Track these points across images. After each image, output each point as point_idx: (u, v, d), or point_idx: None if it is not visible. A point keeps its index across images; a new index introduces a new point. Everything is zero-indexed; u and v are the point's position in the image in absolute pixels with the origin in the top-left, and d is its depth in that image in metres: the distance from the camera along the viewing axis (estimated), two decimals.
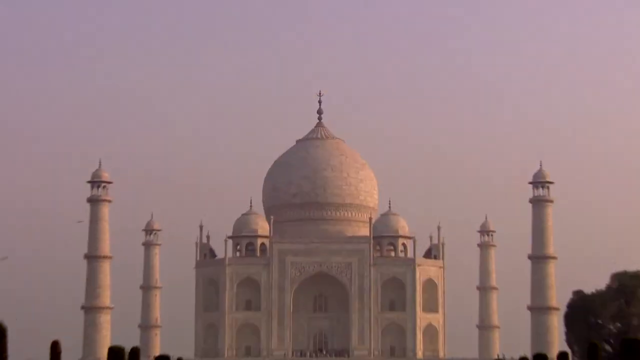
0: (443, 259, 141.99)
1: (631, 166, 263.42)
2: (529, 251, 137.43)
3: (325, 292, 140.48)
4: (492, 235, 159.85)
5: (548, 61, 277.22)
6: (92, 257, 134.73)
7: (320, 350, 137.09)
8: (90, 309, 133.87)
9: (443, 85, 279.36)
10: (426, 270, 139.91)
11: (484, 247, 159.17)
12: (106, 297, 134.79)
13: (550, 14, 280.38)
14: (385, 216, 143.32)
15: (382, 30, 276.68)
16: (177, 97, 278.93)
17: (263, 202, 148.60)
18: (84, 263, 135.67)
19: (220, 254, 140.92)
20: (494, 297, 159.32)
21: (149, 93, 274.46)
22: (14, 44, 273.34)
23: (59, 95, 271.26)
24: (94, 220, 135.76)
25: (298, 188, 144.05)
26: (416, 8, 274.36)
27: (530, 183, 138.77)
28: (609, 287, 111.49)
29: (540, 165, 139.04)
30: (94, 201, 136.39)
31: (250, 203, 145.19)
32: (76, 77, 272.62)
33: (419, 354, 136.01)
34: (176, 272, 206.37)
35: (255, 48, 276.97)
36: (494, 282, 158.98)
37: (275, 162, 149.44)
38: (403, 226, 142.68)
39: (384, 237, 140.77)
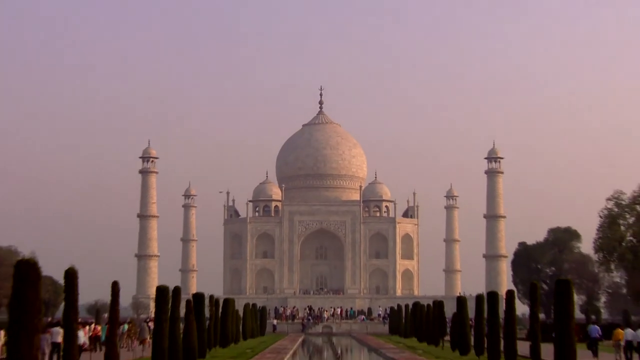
0: (417, 218, 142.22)
1: (567, 145, 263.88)
2: (484, 212, 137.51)
3: (325, 244, 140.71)
4: (455, 199, 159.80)
5: (503, 55, 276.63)
6: (143, 216, 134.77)
7: (321, 289, 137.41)
8: (142, 257, 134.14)
9: (419, 82, 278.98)
10: (404, 226, 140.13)
11: (449, 208, 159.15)
12: (154, 248, 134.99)
13: (506, 4, 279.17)
14: (372, 185, 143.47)
15: (369, 31, 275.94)
16: (206, 93, 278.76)
17: (276, 173, 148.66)
18: (136, 221, 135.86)
19: (243, 214, 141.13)
20: (457, 248, 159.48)
21: (188, 89, 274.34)
22: (68, 43, 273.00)
23: (119, 89, 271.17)
24: (144, 187, 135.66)
25: (303, 162, 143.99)
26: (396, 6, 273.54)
27: (485, 158, 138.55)
28: (546, 240, 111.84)
29: (493, 144, 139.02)
30: (144, 172, 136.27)
31: (266, 174, 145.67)
32: (137, 77, 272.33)
33: (398, 292, 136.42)
34: (208, 228, 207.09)
35: (272, 51, 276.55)
36: (457, 236, 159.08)
37: (286, 142, 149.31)
38: (386, 192, 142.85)
39: (371, 201, 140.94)
